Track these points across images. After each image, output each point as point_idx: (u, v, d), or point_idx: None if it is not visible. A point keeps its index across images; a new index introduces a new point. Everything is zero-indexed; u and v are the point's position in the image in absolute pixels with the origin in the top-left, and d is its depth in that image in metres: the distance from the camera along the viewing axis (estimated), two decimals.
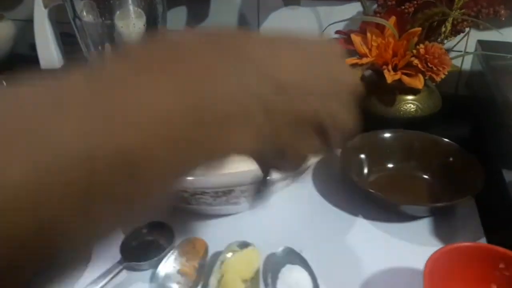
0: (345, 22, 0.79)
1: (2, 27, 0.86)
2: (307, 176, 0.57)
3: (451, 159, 0.55)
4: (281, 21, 0.83)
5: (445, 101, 0.69)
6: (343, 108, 0.26)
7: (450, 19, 0.63)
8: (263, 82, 0.22)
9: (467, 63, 0.78)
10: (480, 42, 0.72)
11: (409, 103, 0.65)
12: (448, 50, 0.72)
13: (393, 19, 0.64)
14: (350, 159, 0.54)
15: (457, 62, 0.76)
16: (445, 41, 0.67)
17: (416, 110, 0.65)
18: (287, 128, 0.23)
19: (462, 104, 0.76)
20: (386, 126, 0.62)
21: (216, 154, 0.21)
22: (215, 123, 0.20)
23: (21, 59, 0.91)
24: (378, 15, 0.69)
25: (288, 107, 0.23)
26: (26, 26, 0.94)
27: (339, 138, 0.26)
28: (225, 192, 0.43)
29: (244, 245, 0.43)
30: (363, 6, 0.70)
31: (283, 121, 0.23)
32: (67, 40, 0.81)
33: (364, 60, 0.62)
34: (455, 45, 0.72)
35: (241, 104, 0.21)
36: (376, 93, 0.66)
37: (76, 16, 0.66)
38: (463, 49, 0.76)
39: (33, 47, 0.96)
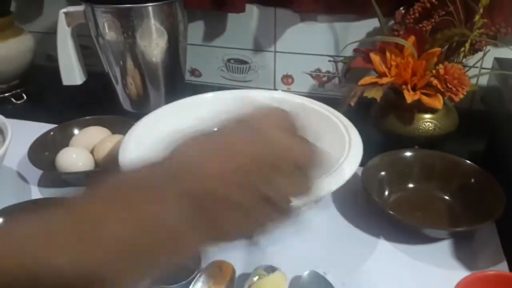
0: (360, 38, 0.80)
1: (22, 40, 0.87)
2: (329, 197, 0.58)
3: (471, 180, 0.56)
4: (297, 36, 0.84)
5: (460, 117, 0.70)
6: (287, 179, 0.29)
7: (469, 40, 0.64)
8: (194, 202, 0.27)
9: (482, 79, 0.79)
10: (497, 60, 0.72)
11: (427, 122, 0.66)
12: (465, 67, 0.72)
13: (412, 38, 0.64)
14: (371, 179, 0.55)
15: (473, 78, 0.76)
16: (464, 59, 0.67)
17: (434, 129, 0.65)
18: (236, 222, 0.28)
19: (478, 120, 0.77)
20: (404, 144, 0.63)
21: (168, 260, 0.27)
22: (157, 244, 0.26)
23: (40, 70, 0.92)
24: (396, 33, 0.70)
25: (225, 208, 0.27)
26: (44, 38, 0.96)
27: (288, 204, 0.30)
28: None
29: (270, 269, 0.44)
30: (380, 23, 0.71)
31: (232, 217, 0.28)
32: (87, 52, 0.82)
33: (384, 80, 0.63)
34: (474, 64, 0.72)
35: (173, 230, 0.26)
36: (393, 111, 0.67)
37: (98, 34, 0.68)
38: (479, 65, 0.76)
39: (50, 58, 0.98)
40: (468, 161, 0.57)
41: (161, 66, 0.70)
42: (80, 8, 0.68)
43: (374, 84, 0.64)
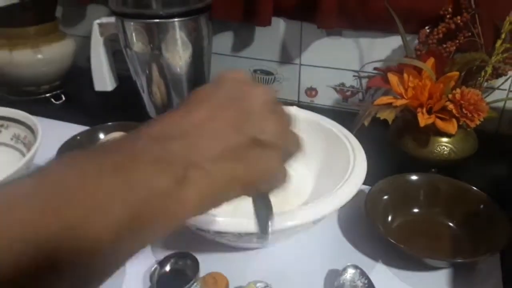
0: (388, 56, 0.80)
1: (65, 44, 0.93)
2: (333, 216, 0.59)
3: (478, 209, 0.55)
4: (322, 50, 0.85)
5: (483, 141, 0.68)
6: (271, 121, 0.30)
7: (490, 65, 0.63)
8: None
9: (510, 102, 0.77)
10: None
11: (443, 145, 0.65)
12: (490, 89, 0.71)
13: (431, 60, 0.64)
14: (375, 202, 0.56)
15: (500, 102, 0.74)
16: (485, 83, 0.66)
17: (449, 153, 0.64)
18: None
19: (503, 145, 0.75)
20: (418, 167, 0.63)
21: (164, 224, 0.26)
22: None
23: (80, 72, 0.98)
24: (419, 52, 0.70)
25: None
26: (85, 42, 1.02)
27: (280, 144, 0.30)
28: (248, 234, 0.46)
29: (264, 284, 0.46)
30: (404, 42, 0.70)
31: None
32: (122, 58, 0.87)
33: (399, 102, 0.63)
34: (499, 86, 0.71)
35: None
36: (409, 132, 0.67)
37: (127, 45, 0.72)
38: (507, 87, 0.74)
39: (90, 60, 1.03)
40: (475, 189, 0.56)
41: (185, 77, 0.73)
42: (112, 19, 0.72)
43: (388, 105, 0.64)
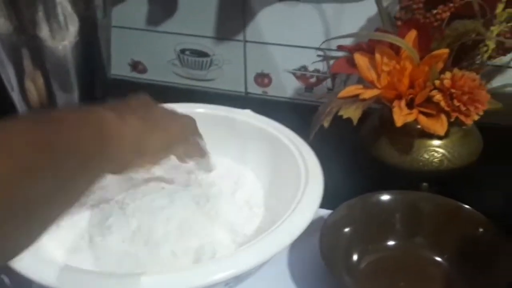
0: (362, 27, 0.82)
1: None
2: (283, 258, 0.60)
3: (475, 237, 0.57)
4: (275, 21, 0.86)
5: (492, 142, 0.70)
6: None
7: (492, 37, 0.65)
8: None
9: None
10: None
11: (432, 151, 0.67)
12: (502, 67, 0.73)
13: (412, 34, 0.65)
14: (334, 237, 0.56)
15: None
16: (488, 62, 0.68)
17: (441, 161, 0.66)
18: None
19: None
20: (400, 182, 0.64)
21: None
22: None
23: None
24: (399, 22, 0.71)
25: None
26: None
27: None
28: None
29: None
30: (378, 7, 0.71)
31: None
32: None
33: (368, 94, 0.64)
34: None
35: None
36: (386, 134, 0.68)
37: None
38: None
39: None
40: (469, 208, 0.58)
41: (72, 63, 0.73)
42: None
43: (355, 98, 0.66)
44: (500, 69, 0.74)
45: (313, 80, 0.89)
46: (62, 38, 0.71)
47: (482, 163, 0.70)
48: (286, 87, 0.91)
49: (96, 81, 0.79)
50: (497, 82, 0.76)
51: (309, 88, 0.90)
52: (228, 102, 0.72)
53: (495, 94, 0.70)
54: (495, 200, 0.69)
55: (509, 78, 0.76)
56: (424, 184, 0.70)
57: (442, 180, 0.68)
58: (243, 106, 0.71)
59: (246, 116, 0.68)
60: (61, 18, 0.70)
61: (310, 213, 0.53)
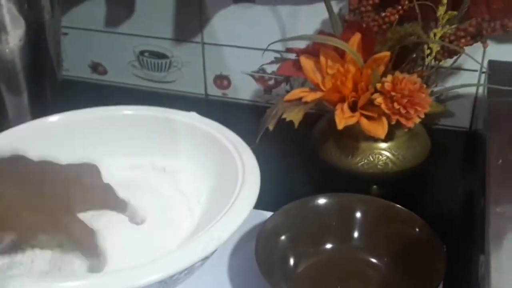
0: (317, 29, 0.82)
1: None
2: (223, 263, 0.60)
3: (410, 238, 0.57)
4: (231, 23, 0.86)
5: (439, 141, 0.71)
6: None
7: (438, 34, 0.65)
8: None
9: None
10: (492, 63, 0.73)
11: (377, 153, 0.67)
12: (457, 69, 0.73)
13: (357, 37, 0.66)
14: (269, 243, 0.55)
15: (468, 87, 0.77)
16: (435, 62, 0.68)
17: (386, 164, 0.67)
18: None
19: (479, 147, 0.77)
20: (347, 185, 0.64)
21: None
22: None
23: None
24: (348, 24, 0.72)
25: None
26: None
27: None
28: None
29: None
30: (328, 9, 0.71)
31: None
32: None
33: (310, 97, 0.65)
34: (451, 65, 0.73)
35: None
36: (334, 137, 0.69)
37: None
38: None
39: None
40: (405, 209, 0.57)
41: (19, 66, 0.73)
42: None
43: (299, 101, 0.66)
44: (449, 71, 0.74)
45: (271, 82, 0.89)
46: (8, 40, 0.71)
47: (432, 165, 0.70)
48: (246, 89, 0.91)
49: (47, 83, 0.79)
50: (448, 84, 0.76)
51: (268, 90, 0.90)
52: (188, 104, 0.71)
53: (449, 96, 0.71)
54: (443, 201, 0.69)
55: (459, 80, 0.76)
56: (374, 186, 0.71)
57: (389, 183, 0.69)
58: (203, 109, 0.69)
59: (189, 118, 0.67)
60: (6, 20, 0.70)
61: (240, 217, 0.52)
